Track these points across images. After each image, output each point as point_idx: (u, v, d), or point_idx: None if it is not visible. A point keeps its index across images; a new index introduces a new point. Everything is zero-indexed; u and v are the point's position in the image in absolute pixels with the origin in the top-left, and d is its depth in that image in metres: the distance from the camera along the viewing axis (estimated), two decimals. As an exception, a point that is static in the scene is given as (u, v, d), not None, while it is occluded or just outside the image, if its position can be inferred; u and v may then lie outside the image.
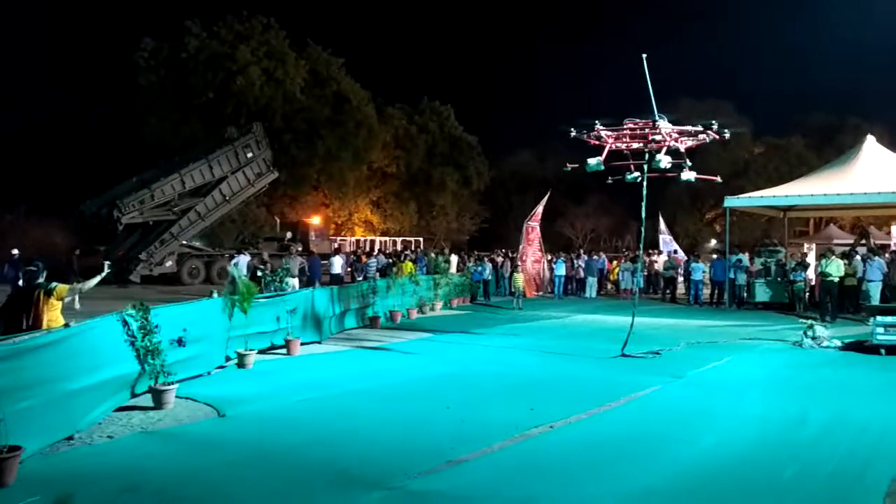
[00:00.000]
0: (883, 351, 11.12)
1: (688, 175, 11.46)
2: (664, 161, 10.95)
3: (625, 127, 11.21)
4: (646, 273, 23.62)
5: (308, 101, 38.22)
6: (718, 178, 13.35)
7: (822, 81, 72.59)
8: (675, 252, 26.89)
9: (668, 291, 22.65)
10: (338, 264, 20.67)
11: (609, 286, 25.62)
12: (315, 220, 36.70)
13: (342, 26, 76.69)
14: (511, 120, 75.69)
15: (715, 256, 22.96)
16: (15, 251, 17.99)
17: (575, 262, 24.59)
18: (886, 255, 18.01)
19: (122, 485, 5.14)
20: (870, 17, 75.73)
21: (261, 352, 10.57)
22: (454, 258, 23.82)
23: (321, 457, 5.85)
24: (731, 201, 20.81)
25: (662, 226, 28.85)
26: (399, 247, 38.58)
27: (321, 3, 74.42)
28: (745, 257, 20.75)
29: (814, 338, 12.11)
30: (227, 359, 9.86)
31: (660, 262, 24.27)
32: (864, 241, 22.23)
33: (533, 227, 24.48)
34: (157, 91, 35.77)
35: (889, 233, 27.90)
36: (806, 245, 27.61)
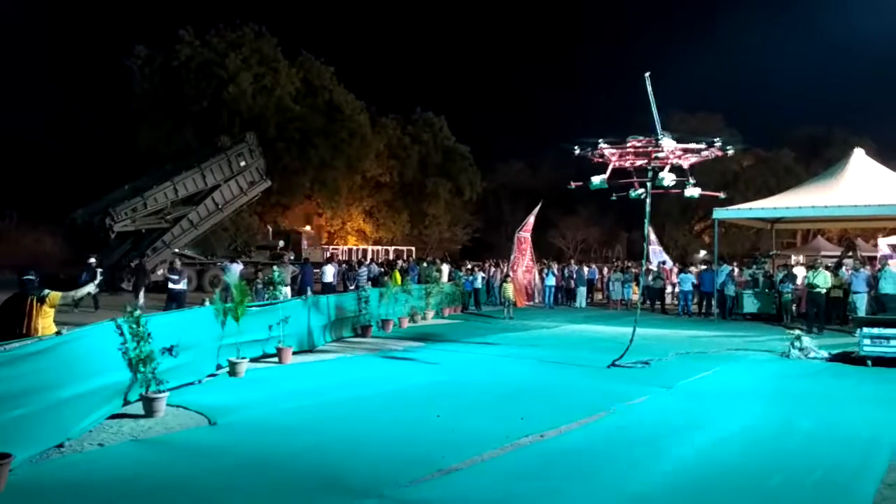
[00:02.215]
0: (869, 362, 11.22)
1: (692, 191, 11.58)
2: (668, 178, 11.08)
3: (628, 145, 11.33)
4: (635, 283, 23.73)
5: (301, 109, 38.25)
6: (722, 194, 13.45)
7: (809, 94, 73.38)
8: (665, 263, 27.04)
9: (657, 302, 22.78)
10: (329, 273, 20.66)
11: (599, 296, 25.69)
12: (307, 229, 36.68)
13: (335, 36, 76.97)
14: (503, 131, 75.89)
15: (704, 267, 23.10)
16: (92, 259, 18.54)
17: (565, 271, 24.70)
18: (876, 266, 18.18)
19: (111, 493, 5.15)
20: (857, 30, 76.62)
21: (252, 360, 10.58)
22: (445, 267, 23.87)
23: (312, 465, 5.88)
24: (719, 213, 20.95)
25: (652, 236, 28.98)
26: (391, 256, 38.55)
27: (313, 13, 74.70)
28: (727, 267, 20.89)
29: (801, 349, 12.22)
30: (219, 367, 9.86)
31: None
32: (850, 254, 22.45)
33: (525, 237, 24.58)
34: (151, 99, 35.73)
35: (875, 245, 28.16)
36: (793, 257, 27.83)
